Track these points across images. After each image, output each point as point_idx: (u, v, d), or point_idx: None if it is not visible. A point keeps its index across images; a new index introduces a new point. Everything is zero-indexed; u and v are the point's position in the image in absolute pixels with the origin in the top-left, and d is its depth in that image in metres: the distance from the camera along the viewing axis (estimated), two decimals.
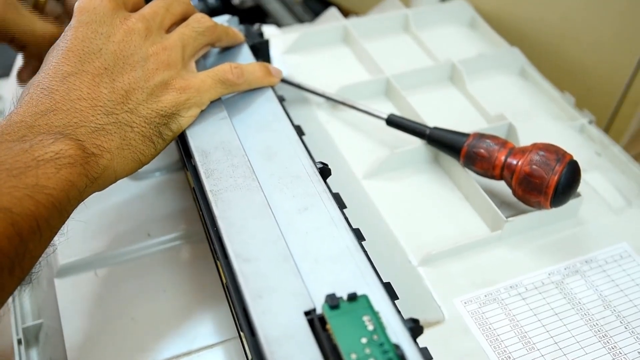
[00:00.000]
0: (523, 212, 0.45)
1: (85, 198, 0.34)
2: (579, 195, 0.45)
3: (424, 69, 0.57)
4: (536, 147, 0.43)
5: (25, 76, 0.48)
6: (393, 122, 0.48)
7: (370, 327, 0.28)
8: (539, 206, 0.43)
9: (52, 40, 0.40)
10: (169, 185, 0.48)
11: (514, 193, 0.44)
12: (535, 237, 0.44)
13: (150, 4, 0.39)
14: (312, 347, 0.29)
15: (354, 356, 0.27)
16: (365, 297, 0.30)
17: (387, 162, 0.48)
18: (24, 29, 0.43)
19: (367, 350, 0.28)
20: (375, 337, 0.28)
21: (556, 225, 0.45)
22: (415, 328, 0.31)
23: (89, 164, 0.33)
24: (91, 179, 0.33)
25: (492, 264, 0.43)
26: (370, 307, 0.29)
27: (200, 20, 0.41)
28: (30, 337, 0.42)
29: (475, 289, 0.41)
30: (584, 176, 0.47)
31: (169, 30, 0.40)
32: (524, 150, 0.43)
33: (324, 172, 0.38)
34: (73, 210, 0.33)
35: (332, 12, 0.64)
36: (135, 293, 0.42)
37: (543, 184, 0.41)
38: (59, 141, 0.32)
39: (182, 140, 0.41)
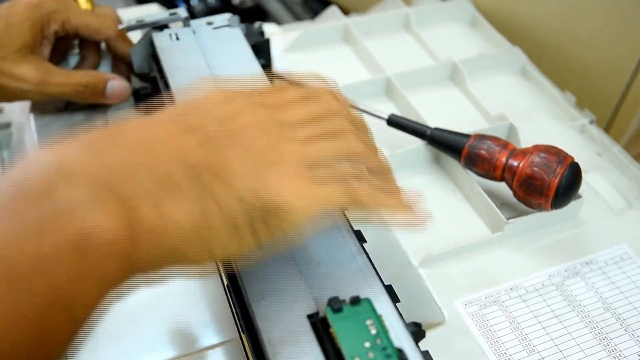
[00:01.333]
0: (524, 213, 0.45)
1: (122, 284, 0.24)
2: (579, 196, 0.45)
3: (425, 69, 0.57)
4: (537, 148, 0.43)
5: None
6: (394, 122, 0.48)
7: (373, 331, 0.28)
8: (539, 208, 0.43)
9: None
10: None
11: (515, 194, 0.44)
12: (536, 239, 0.44)
13: (296, 104, 0.30)
14: (315, 351, 0.29)
15: (355, 358, 0.27)
16: (368, 300, 0.30)
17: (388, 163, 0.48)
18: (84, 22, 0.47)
19: (370, 355, 0.28)
20: (378, 341, 0.28)
21: (556, 226, 0.45)
22: (417, 332, 0.31)
23: (137, 247, 0.22)
24: (137, 268, 0.23)
25: (493, 265, 0.43)
26: (374, 310, 0.29)
27: (351, 142, 0.30)
28: None
29: (475, 291, 0.41)
30: (585, 177, 0.47)
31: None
32: (525, 152, 0.43)
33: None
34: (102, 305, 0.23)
35: (333, 10, 0.64)
36: (136, 293, 0.42)
37: (544, 186, 0.41)
38: (100, 202, 0.22)
39: None
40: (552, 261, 0.43)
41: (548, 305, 0.41)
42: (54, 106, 0.54)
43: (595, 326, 0.40)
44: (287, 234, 0.27)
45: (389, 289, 0.32)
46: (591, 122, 0.54)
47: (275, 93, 0.30)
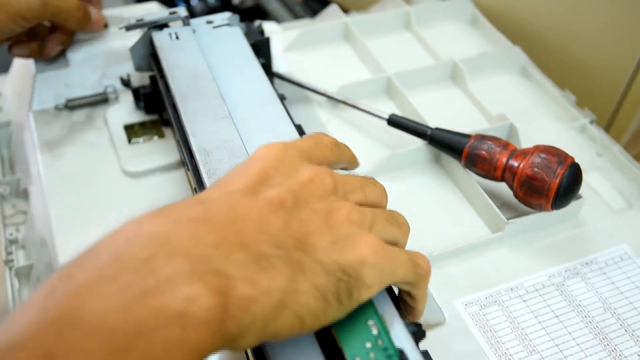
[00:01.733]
0: (524, 213, 0.45)
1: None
2: (580, 197, 0.45)
3: (426, 68, 0.56)
4: (538, 149, 0.43)
5: (47, 50, 0.55)
6: (394, 122, 0.48)
7: (375, 332, 0.29)
8: (540, 208, 0.43)
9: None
10: (170, 185, 0.48)
11: (515, 195, 0.44)
12: (536, 239, 0.44)
13: (344, 175, 0.32)
14: (316, 352, 0.29)
15: (356, 357, 0.27)
16: (370, 300, 0.30)
17: (388, 163, 0.48)
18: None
19: (372, 355, 0.28)
20: (379, 341, 0.28)
21: (557, 227, 0.45)
22: (417, 332, 0.31)
23: (230, 315, 0.24)
24: (228, 339, 0.24)
25: (493, 265, 0.43)
26: (375, 311, 0.29)
27: (394, 213, 0.33)
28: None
29: (475, 291, 0.41)
30: (585, 177, 0.47)
31: None
32: (525, 153, 0.43)
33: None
34: None
35: (333, 8, 0.64)
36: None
37: (544, 186, 0.41)
38: (198, 277, 0.23)
39: (183, 139, 0.40)
40: (552, 261, 0.43)
41: (548, 306, 0.41)
42: (54, 105, 0.54)
43: (595, 326, 0.40)
44: (362, 301, 0.28)
45: (389, 289, 0.32)
46: (591, 122, 0.54)
47: (312, 140, 0.33)
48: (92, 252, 0.24)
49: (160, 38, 0.48)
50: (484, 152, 0.44)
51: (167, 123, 0.51)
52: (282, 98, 0.45)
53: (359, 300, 0.28)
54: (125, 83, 0.54)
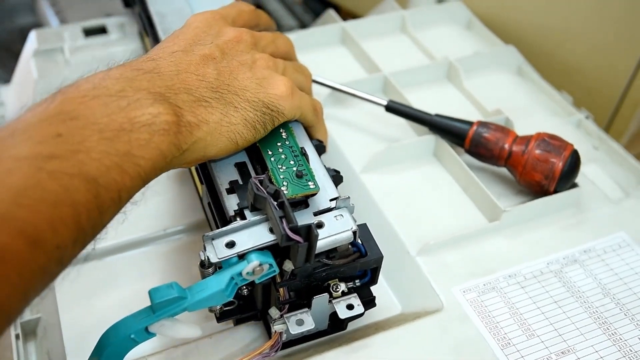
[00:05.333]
0: (521, 203, 0.45)
1: (169, 170, 0.33)
2: (576, 185, 0.46)
3: (421, 67, 0.57)
4: (540, 135, 0.45)
5: None
6: (393, 108, 0.49)
7: (284, 135, 0.39)
8: (542, 191, 0.44)
9: None
10: (171, 181, 0.48)
11: (519, 178, 0.45)
12: (533, 228, 0.44)
13: (260, 33, 0.41)
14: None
15: (270, 152, 0.37)
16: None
17: (384, 156, 0.48)
18: None
19: (280, 150, 0.37)
20: (287, 142, 0.38)
21: (554, 216, 0.45)
22: (319, 145, 0.40)
23: (182, 133, 0.32)
24: (180, 149, 0.32)
25: (491, 254, 0.43)
26: (286, 124, 0.39)
27: (298, 64, 0.44)
28: (29, 331, 0.42)
29: (473, 278, 0.41)
30: (582, 168, 0.47)
31: None
32: (528, 138, 0.45)
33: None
34: (153, 178, 0.32)
35: (330, 13, 0.65)
36: (134, 286, 0.42)
37: (551, 167, 0.44)
38: (158, 103, 0.31)
39: (144, 9, 0.51)
40: (551, 249, 0.43)
41: (547, 292, 0.41)
42: None
43: (594, 311, 0.40)
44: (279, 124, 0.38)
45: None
46: (587, 117, 0.54)
47: (233, 8, 0.42)
48: (74, 85, 0.31)
49: None
50: (489, 136, 0.46)
51: (128, 4, 0.60)
52: None
53: (274, 125, 0.38)
54: None
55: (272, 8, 0.74)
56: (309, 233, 0.31)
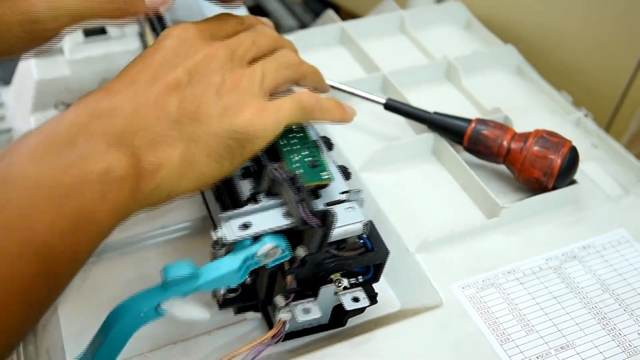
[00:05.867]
0: (519, 200, 0.45)
1: (134, 215, 0.31)
2: (575, 182, 0.46)
3: (421, 67, 0.57)
4: (539, 132, 0.45)
5: None
6: (392, 107, 0.49)
7: (298, 127, 0.38)
8: (541, 187, 0.44)
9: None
10: None
11: (518, 174, 0.45)
12: (532, 225, 0.44)
13: (237, 35, 0.37)
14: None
15: (283, 142, 0.37)
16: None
17: (383, 154, 0.48)
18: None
19: (293, 142, 0.37)
20: (301, 134, 0.38)
21: (553, 212, 0.45)
22: (327, 140, 0.39)
23: (142, 177, 0.30)
24: (141, 198, 0.30)
25: (490, 250, 0.43)
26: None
27: (285, 54, 0.38)
28: None
29: (472, 275, 0.41)
30: (581, 166, 0.47)
31: (252, 64, 0.37)
32: (526, 135, 0.45)
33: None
34: (114, 229, 0.30)
35: (329, 14, 0.65)
36: (133, 282, 0.42)
37: (550, 164, 0.44)
38: (114, 149, 0.29)
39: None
40: (549, 246, 0.43)
41: (546, 288, 0.41)
42: (54, 107, 0.55)
43: (593, 307, 0.40)
44: (255, 152, 0.35)
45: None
46: (586, 116, 0.54)
47: (216, 21, 0.38)
48: (24, 138, 0.29)
49: None
50: (487, 133, 0.46)
51: None
52: None
53: (252, 151, 0.34)
54: None
55: (272, 8, 0.74)
56: (326, 218, 0.32)
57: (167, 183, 0.31)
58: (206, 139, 0.32)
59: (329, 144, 0.40)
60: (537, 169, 0.44)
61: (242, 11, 0.45)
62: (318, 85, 0.41)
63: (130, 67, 0.34)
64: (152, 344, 0.38)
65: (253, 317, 0.40)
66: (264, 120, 0.34)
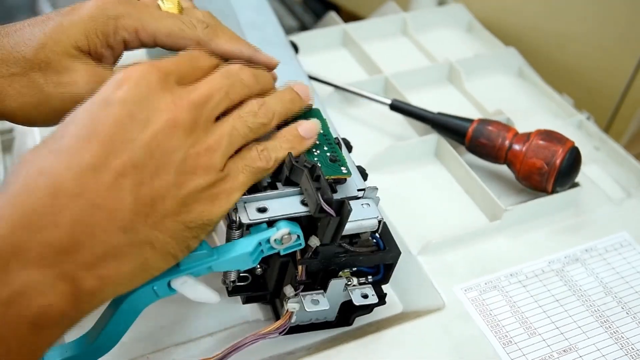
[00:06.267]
0: (522, 203, 0.45)
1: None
2: (578, 184, 0.46)
3: (423, 69, 0.57)
4: (539, 132, 0.45)
5: None
6: (397, 107, 0.49)
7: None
8: (541, 188, 0.44)
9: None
10: None
11: (518, 175, 0.45)
12: (535, 227, 0.44)
13: (209, 79, 0.32)
14: None
15: None
16: (317, 109, 0.38)
17: (386, 156, 0.48)
18: (164, 28, 0.37)
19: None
20: (321, 130, 0.37)
21: (555, 215, 0.45)
22: (345, 141, 0.40)
23: (81, 302, 0.27)
24: (83, 315, 0.27)
25: (492, 253, 0.43)
26: (320, 115, 0.38)
27: (257, 113, 0.33)
28: None
29: (475, 277, 0.41)
30: (583, 169, 0.47)
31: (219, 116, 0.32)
32: (527, 135, 0.45)
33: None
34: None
35: (331, 15, 0.65)
36: None
37: (548, 165, 0.43)
38: (49, 282, 0.25)
39: None
40: (552, 249, 0.43)
41: (548, 290, 0.41)
42: None
43: (596, 309, 0.40)
44: (207, 235, 0.32)
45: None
46: (588, 118, 0.54)
47: (185, 60, 0.32)
48: None
49: None
50: (488, 133, 0.46)
51: None
52: None
53: (204, 236, 0.31)
54: None
55: (272, 8, 0.74)
56: (342, 207, 0.32)
57: (114, 293, 0.29)
58: (162, 240, 0.29)
59: (349, 146, 0.40)
60: (540, 159, 0.43)
61: None
62: (299, 113, 0.37)
63: (79, 144, 0.27)
64: (154, 345, 0.38)
65: (255, 319, 0.39)
66: (217, 210, 0.31)
